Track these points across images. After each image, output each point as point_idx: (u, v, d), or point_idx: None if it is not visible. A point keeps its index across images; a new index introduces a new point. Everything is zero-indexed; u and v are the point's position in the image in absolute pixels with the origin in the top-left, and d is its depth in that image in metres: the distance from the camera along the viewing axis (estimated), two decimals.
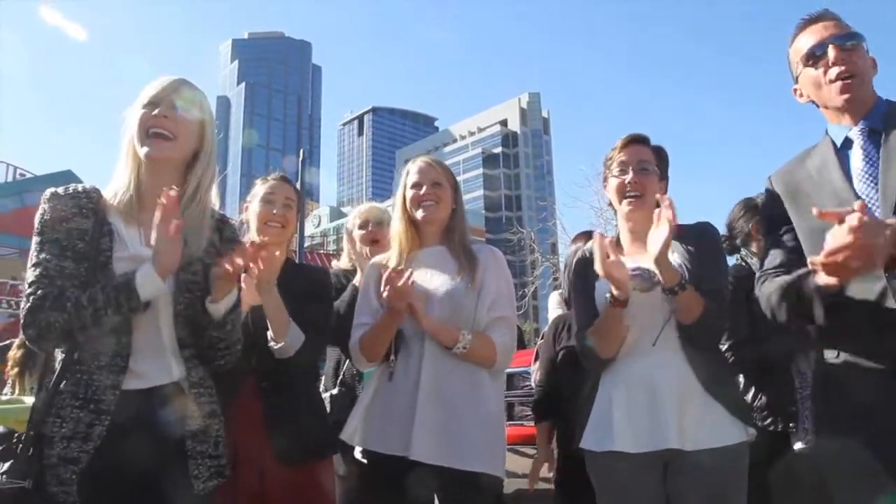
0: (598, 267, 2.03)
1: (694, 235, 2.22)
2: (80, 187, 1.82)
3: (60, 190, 1.80)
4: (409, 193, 2.40)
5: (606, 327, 2.13)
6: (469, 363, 2.21)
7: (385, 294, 2.11)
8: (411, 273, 2.13)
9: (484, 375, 2.25)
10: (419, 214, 2.37)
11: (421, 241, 2.41)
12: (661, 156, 2.31)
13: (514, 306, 2.42)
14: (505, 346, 2.27)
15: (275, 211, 2.53)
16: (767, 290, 1.88)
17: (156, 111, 1.79)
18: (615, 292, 2.04)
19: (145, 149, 1.79)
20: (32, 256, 1.73)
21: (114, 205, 1.82)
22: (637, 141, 2.28)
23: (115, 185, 1.84)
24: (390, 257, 2.42)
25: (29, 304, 1.67)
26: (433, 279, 2.28)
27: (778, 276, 1.88)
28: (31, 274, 1.71)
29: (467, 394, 2.20)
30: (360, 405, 2.31)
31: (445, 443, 2.11)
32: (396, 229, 2.43)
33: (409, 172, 2.44)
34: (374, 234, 3.09)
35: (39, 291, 1.67)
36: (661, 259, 1.99)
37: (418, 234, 2.41)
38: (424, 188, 2.38)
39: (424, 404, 2.14)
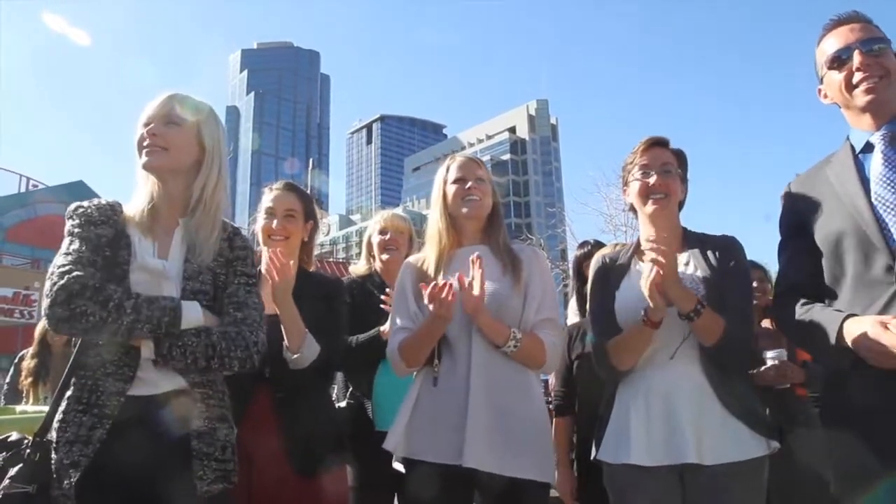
0: (644, 284, 1.98)
1: (718, 248, 2.19)
2: (102, 201, 1.89)
3: (85, 203, 1.86)
4: (451, 189, 2.33)
5: (632, 343, 2.10)
6: (517, 366, 2.17)
7: (431, 307, 2.06)
8: (451, 287, 2.04)
9: (532, 377, 2.21)
10: (463, 210, 2.30)
11: (460, 240, 2.35)
12: (680, 158, 2.29)
13: (558, 307, 2.34)
14: (554, 346, 2.21)
15: (275, 224, 2.52)
16: (796, 315, 1.85)
17: (147, 128, 1.87)
18: (651, 313, 2.00)
19: (141, 161, 1.86)
20: (64, 248, 1.76)
21: (133, 217, 1.87)
22: (658, 143, 2.26)
23: (134, 200, 1.91)
24: (427, 257, 2.35)
25: (63, 282, 1.65)
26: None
27: (798, 295, 1.88)
28: (62, 259, 1.72)
29: (518, 397, 2.15)
30: (402, 414, 2.21)
31: (499, 449, 2.05)
32: (436, 227, 2.35)
33: (450, 169, 2.38)
34: (392, 242, 3.09)
35: (76, 273, 1.67)
36: (672, 289, 1.96)
37: (458, 232, 2.34)
38: (469, 183, 2.31)
39: (475, 409, 2.07)
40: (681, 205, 2.31)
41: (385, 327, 2.77)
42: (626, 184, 2.32)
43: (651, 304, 1.99)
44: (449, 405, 2.12)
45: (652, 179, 2.19)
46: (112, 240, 1.81)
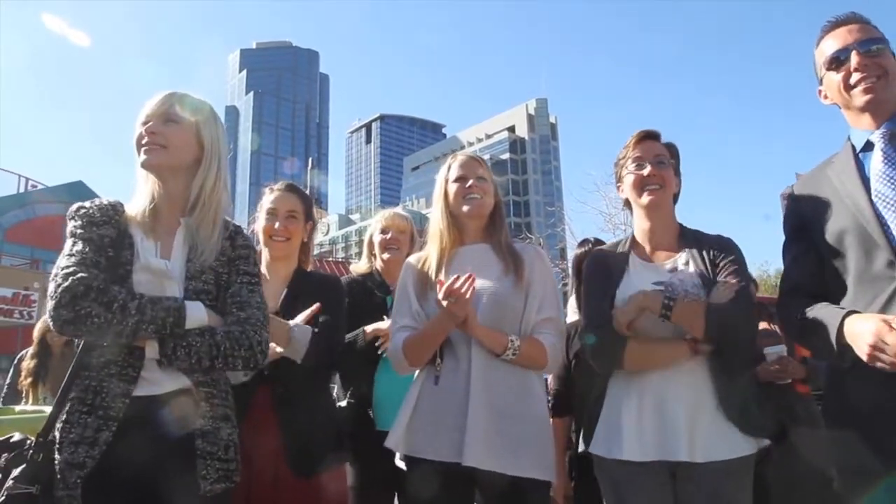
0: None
1: (714, 247, 2.19)
2: (104, 201, 1.88)
3: (87, 203, 1.85)
4: (453, 188, 2.33)
5: (661, 358, 2.08)
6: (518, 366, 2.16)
7: (446, 303, 2.05)
8: (473, 279, 2.05)
9: (533, 376, 2.21)
10: (465, 208, 2.30)
11: (462, 239, 2.35)
12: (672, 152, 2.29)
13: (560, 305, 2.34)
14: (554, 348, 2.20)
15: (277, 225, 2.53)
16: (799, 314, 1.86)
17: (146, 126, 1.86)
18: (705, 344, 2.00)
19: (140, 160, 1.86)
20: (67, 249, 1.75)
21: (134, 217, 1.86)
22: (650, 136, 2.26)
23: (135, 200, 1.90)
24: (429, 255, 2.35)
25: (68, 284, 1.64)
26: (478, 279, 2.16)
27: (801, 295, 1.88)
28: (66, 260, 1.71)
29: (517, 396, 2.15)
30: (404, 412, 2.22)
31: (498, 447, 2.06)
32: (437, 226, 2.35)
33: (451, 167, 2.38)
34: (394, 241, 3.08)
35: (81, 275, 1.67)
36: (639, 303, 2.00)
37: (459, 230, 2.34)
38: (470, 181, 2.31)
39: (476, 408, 2.07)
40: (675, 198, 2.31)
41: (370, 328, 2.78)
42: (619, 179, 2.32)
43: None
44: (450, 404, 2.12)
45: (646, 171, 2.19)
46: (115, 240, 1.80)
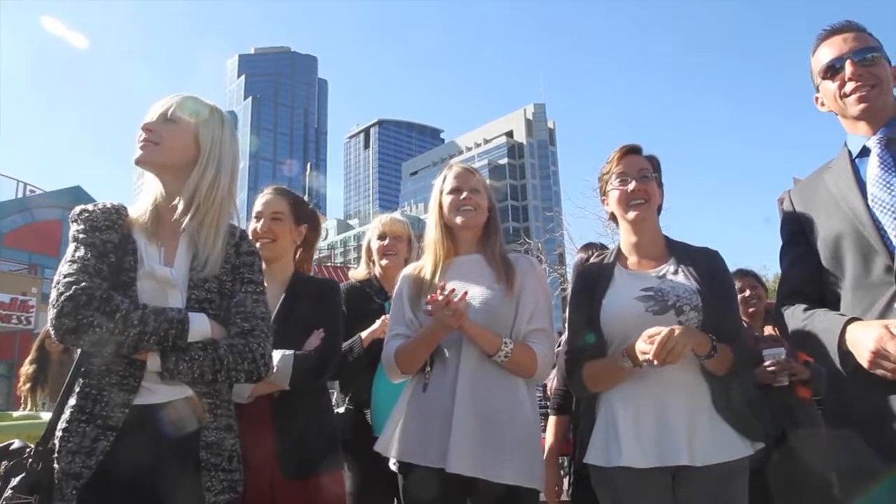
0: (641, 348, 1.95)
1: (702, 260, 2.22)
2: (108, 203, 1.85)
3: (90, 206, 1.83)
4: (447, 199, 2.37)
5: (613, 378, 2.13)
6: (505, 373, 2.18)
7: (438, 313, 2.08)
8: (465, 294, 2.11)
9: (520, 385, 2.22)
10: (458, 220, 2.34)
11: (456, 249, 2.38)
12: (654, 165, 2.32)
13: (552, 317, 2.37)
14: (545, 357, 2.22)
15: (258, 227, 2.54)
16: (798, 320, 1.87)
17: (145, 124, 1.85)
18: (640, 361, 2.00)
19: (135, 155, 1.84)
20: (69, 255, 1.72)
21: (137, 220, 1.84)
22: (633, 151, 2.30)
23: (138, 203, 1.88)
24: (425, 266, 2.39)
25: (70, 293, 1.61)
26: (469, 288, 2.21)
27: (800, 300, 1.90)
28: (68, 267, 1.68)
29: (504, 404, 2.17)
30: (394, 417, 2.27)
31: (483, 455, 2.07)
32: (432, 237, 2.39)
33: (446, 179, 2.41)
34: (391, 248, 3.09)
35: (84, 284, 1.63)
36: (687, 345, 1.93)
37: (453, 241, 2.38)
38: (464, 193, 2.35)
39: (461, 416, 2.10)
40: (659, 209, 2.34)
41: (365, 334, 2.81)
42: (604, 193, 2.36)
43: (639, 354, 1.99)
44: (436, 411, 2.15)
45: (631, 186, 2.23)
46: (118, 245, 1.77)
